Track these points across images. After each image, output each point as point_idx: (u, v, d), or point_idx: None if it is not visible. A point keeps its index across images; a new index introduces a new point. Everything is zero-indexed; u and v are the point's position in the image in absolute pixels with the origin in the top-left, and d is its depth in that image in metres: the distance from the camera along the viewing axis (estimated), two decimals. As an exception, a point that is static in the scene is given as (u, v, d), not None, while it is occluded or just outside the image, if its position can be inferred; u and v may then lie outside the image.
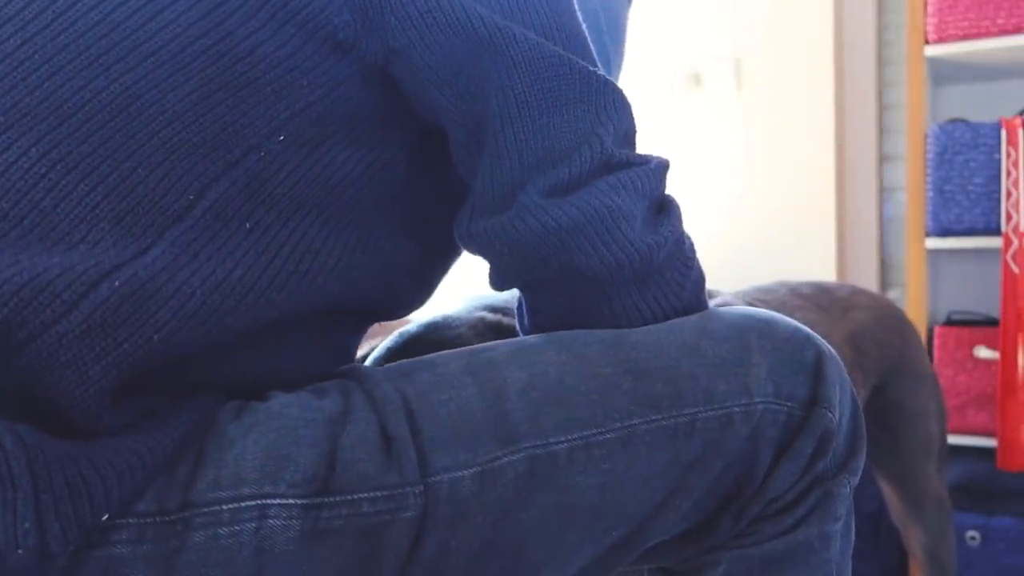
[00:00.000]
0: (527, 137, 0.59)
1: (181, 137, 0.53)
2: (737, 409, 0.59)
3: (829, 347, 0.64)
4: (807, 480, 0.62)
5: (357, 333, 0.66)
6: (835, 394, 0.62)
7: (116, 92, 0.52)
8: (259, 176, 0.54)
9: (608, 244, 0.58)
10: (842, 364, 0.64)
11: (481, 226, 0.60)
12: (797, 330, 0.63)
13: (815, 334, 0.64)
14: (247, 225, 0.54)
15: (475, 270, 0.71)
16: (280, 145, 0.55)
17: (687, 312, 0.63)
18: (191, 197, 0.52)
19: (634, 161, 0.62)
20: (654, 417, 0.57)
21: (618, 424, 0.57)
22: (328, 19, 0.56)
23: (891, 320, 1.32)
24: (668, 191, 0.65)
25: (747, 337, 0.61)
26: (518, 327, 0.68)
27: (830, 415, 0.61)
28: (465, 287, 0.99)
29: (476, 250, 0.63)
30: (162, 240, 0.51)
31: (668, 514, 0.60)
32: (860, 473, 0.66)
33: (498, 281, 0.64)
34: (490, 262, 0.64)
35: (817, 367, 0.62)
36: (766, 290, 1.22)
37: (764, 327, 0.62)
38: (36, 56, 0.53)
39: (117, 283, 0.48)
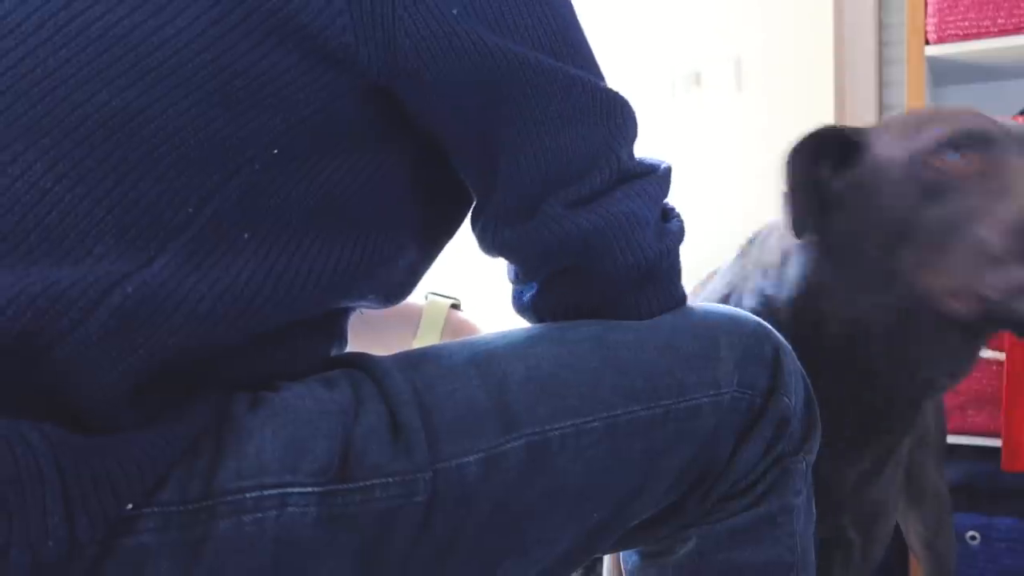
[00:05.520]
0: (546, 155, 0.62)
1: (180, 151, 0.53)
2: (706, 400, 0.65)
3: (784, 340, 0.71)
4: (768, 461, 0.69)
5: (346, 320, 0.69)
6: (791, 382, 0.69)
7: (118, 106, 0.52)
8: (255, 187, 0.55)
9: (623, 249, 0.64)
10: (795, 355, 0.72)
11: (507, 235, 0.65)
12: (759, 325, 0.71)
13: (772, 328, 0.72)
14: (245, 235, 0.55)
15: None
16: (275, 158, 0.55)
17: (673, 309, 0.70)
18: (190, 210, 0.53)
19: (646, 170, 0.67)
20: (634, 408, 0.63)
21: (603, 414, 0.61)
22: (328, 39, 0.56)
23: None
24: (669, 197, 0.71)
25: (716, 334, 0.68)
26: (517, 299, 0.73)
27: (787, 400, 0.69)
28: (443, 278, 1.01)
29: (501, 255, 0.68)
30: (165, 252, 0.52)
31: (644, 497, 0.65)
32: (815, 453, 0.73)
33: (521, 277, 0.70)
34: (515, 263, 0.69)
35: (776, 359, 0.69)
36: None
37: (730, 324, 0.69)
38: (39, 69, 0.52)
39: (129, 290, 0.49)
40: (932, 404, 1.33)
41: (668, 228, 0.68)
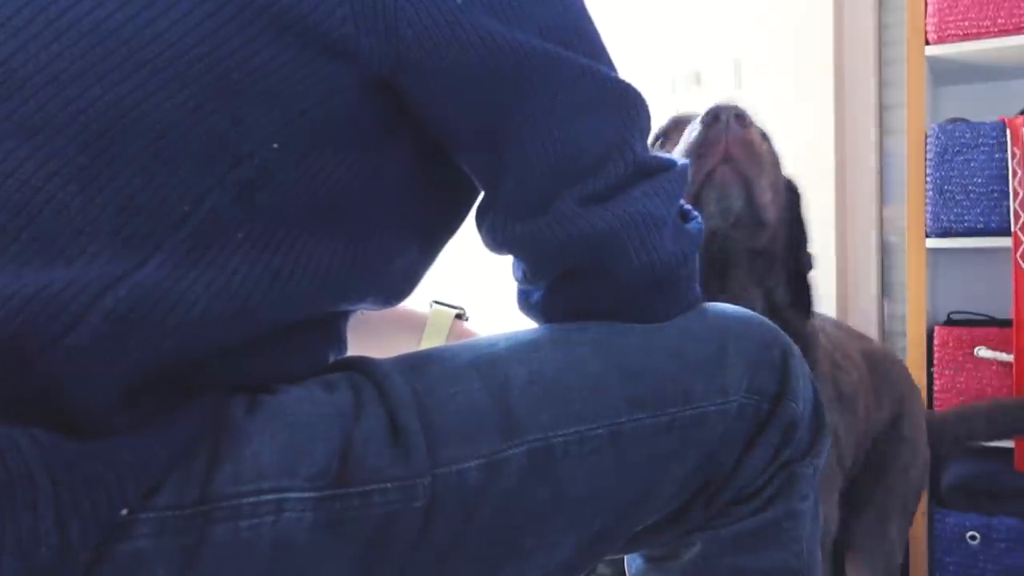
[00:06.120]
0: (555, 145, 0.60)
1: (176, 147, 0.52)
2: (713, 408, 0.64)
3: (792, 343, 0.70)
4: (775, 466, 0.68)
5: (345, 323, 0.68)
6: (799, 387, 0.68)
7: (111, 102, 0.51)
8: (253, 184, 0.54)
9: (639, 251, 0.61)
10: (803, 359, 0.71)
11: (519, 230, 0.62)
12: (768, 329, 0.69)
13: (781, 331, 0.70)
14: (239, 235, 0.53)
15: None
16: (274, 153, 0.54)
17: (686, 311, 0.68)
18: (186, 208, 0.52)
19: (663, 165, 0.64)
20: (639, 416, 0.62)
21: (608, 421, 0.60)
22: (328, 31, 0.54)
23: (900, 367, 1.40)
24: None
25: (724, 338, 0.66)
26: (523, 299, 0.71)
27: (794, 406, 0.67)
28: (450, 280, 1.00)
29: (511, 252, 0.66)
30: (160, 251, 0.51)
31: (648, 503, 0.64)
32: (824, 456, 0.72)
33: (529, 277, 0.68)
34: (524, 261, 0.67)
35: (784, 363, 0.68)
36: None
37: (739, 327, 0.68)
38: (30, 65, 0.51)
39: (122, 293, 0.48)
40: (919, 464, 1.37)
41: (686, 229, 0.66)
